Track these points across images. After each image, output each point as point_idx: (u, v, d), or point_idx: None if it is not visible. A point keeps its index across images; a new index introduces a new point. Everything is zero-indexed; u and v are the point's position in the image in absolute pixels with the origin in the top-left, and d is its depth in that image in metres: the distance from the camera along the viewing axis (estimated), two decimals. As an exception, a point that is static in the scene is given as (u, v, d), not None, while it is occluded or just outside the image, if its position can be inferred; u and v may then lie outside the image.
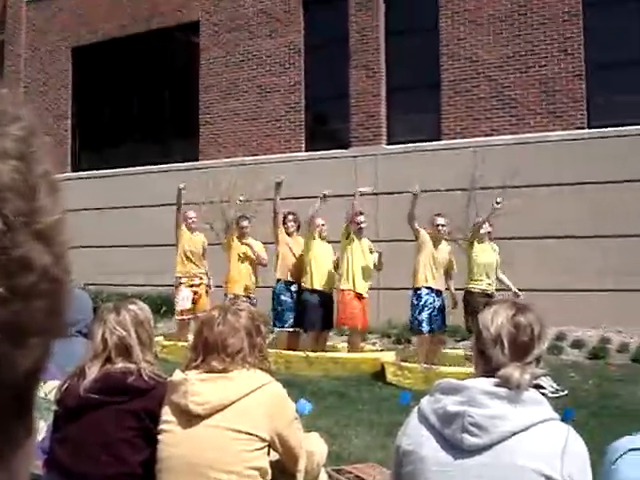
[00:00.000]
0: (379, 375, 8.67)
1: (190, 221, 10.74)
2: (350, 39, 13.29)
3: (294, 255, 9.84)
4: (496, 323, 2.17)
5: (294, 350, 9.52)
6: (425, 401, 2.23)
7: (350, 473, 4.54)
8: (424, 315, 8.83)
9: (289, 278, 9.77)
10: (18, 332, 0.43)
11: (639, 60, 11.38)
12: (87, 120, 16.68)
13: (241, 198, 10.86)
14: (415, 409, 2.26)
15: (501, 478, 2.03)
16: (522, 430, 2.06)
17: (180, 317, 10.44)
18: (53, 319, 0.46)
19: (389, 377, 8.50)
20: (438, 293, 8.94)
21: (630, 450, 2.20)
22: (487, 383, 2.11)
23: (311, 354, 9.24)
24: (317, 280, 9.45)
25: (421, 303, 8.87)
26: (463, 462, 2.08)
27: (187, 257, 10.56)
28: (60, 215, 0.46)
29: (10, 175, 0.43)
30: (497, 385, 2.10)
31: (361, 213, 9.59)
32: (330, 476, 3.96)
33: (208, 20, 14.82)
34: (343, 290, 9.33)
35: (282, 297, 9.64)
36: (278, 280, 9.80)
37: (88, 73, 16.62)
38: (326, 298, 9.50)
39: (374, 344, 10.49)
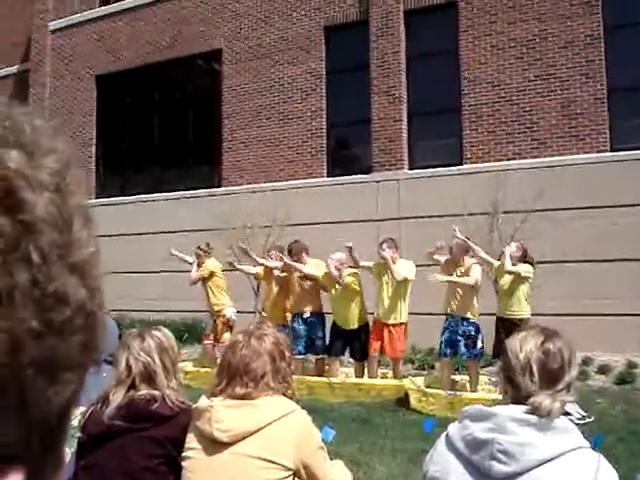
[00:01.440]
0: (403, 401, 8.59)
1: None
2: (371, 65, 13.35)
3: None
4: (525, 350, 2.15)
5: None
6: (453, 428, 2.20)
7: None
8: (444, 337, 8.87)
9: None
10: (53, 368, 0.43)
11: (661, 83, 11.34)
12: (111, 147, 16.86)
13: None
14: (443, 435, 2.24)
15: (530, 507, 1.99)
16: (552, 458, 2.02)
17: None
18: (87, 353, 0.46)
19: (413, 403, 8.43)
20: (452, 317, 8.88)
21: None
22: (517, 410, 2.08)
23: (334, 380, 9.21)
24: None
25: (444, 326, 8.93)
26: (492, 490, 2.05)
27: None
28: (94, 248, 0.46)
29: (46, 208, 0.42)
30: (527, 412, 2.07)
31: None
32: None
33: (230, 48, 14.97)
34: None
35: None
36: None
37: (112, 101, 16.83)
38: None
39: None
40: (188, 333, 13.03)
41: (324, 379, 9.30)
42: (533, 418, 2.05)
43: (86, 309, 0.45)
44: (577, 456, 2.05)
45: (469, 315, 8.79)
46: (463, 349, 8.73)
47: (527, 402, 2.08)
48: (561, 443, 2.05)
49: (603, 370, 10.22)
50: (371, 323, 9.55)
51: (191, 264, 10.93)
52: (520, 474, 2.02)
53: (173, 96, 16.15)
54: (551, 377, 2.12)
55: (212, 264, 10.57)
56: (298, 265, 9.69)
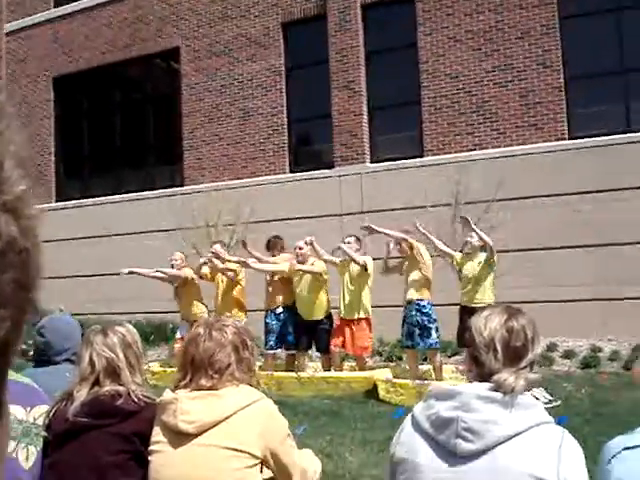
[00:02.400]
0: (372, 393, 8.62)
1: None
2: (330, 59, 13.36)
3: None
4: (489, 328, 2.16)
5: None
6: (418, 408, 2.21)
7: (345, 490, 4.49)
8: (404, 330, 8.91)
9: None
10: None
11: (617, 71, 11.51)
12: (70, 150, 16.66)
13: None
14: (409, 416, 2.24)
15: (496, 483, 2.01)
16: (516, 434, 2.03)
17: None
18: (22, 292, 0.45)
19: (382, 394, 8.46)
20: (415, 305, 8.90)
21: (624, 449, 2.18)
22: (481, 388, 2.09)
23: (302, 374, 9.22)
24: None
25: (402, 318, 8.98)
26: (458, 468, 2.05)
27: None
28: (27, 187, 0.45)
29: None
30: (491, 390, 2.08)
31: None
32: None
33: (188, 46, 14.89)
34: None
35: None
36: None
37: (69, 103, 16.64)
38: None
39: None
40: (154, 334, 12.93)
41: (292, 374, 9.31)
42: (497, 395, 2.06)
43: (18, 246, 0.44)
44: (541, 431, 2.07)
45: (422, 297, 8.84)
46: (418, 339, 8.76)
47: (491, 380, 2.10)
48: (525, 419, 2.06)
49: (568, 355, 10.36)
50: (335, 318, 9.59)
51: (155, 277, 10.78)
52: (485, 451, 2.03)
53: (132, 96, 16.01)
54: (514, 355, 2.13)
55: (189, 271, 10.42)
56: (264, 266, 9.78)
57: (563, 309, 10.83)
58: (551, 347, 10.44)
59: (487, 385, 2.09)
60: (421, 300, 8.87)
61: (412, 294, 8.89)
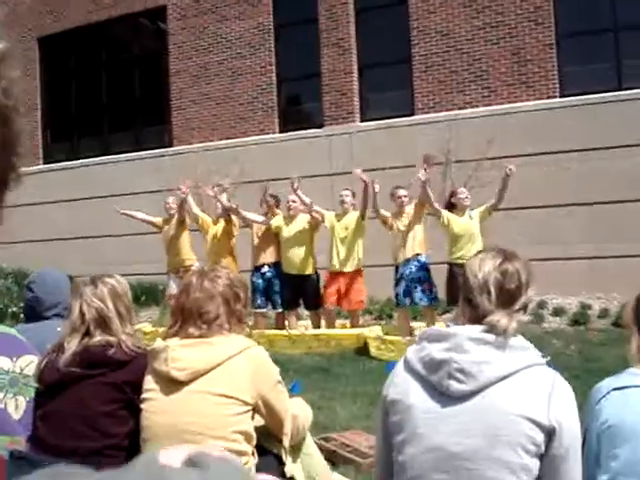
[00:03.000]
0: (362, 350, 8.68)
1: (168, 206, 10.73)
2: (320, 18, 13.20)
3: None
4: (483, 270, 2.16)
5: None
6: (411, 350, 2.21)
7: (336, 440, 4.53)
8: (400, 288, 8.93)
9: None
10: None
11: (608, 28, 11.41)
12: (57, 111, 16.47)
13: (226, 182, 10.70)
14: (402, 359, 2.24)
15: (488, 424, 2.02)
16: (508, 375, 2.05)
17: None
18: (3, 151, 0.43)
19: (373, 351, 8.52)
20: (415, 260, 8.95)
21: (613, 390, 2.20)
22: (474, 330, 2.10)
23: (293, 332, 9.27)
24: None
25: (397, 277, 8.99)
26: (450, 409, 2.07)
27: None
28: (6, 47, 0.43)
29: None
30: (484, 332, 2.08)
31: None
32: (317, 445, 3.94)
33: (175, 4, 14.66)
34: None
35: None
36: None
37: (55, 63, 16.42)
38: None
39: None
40: (146, 296, 12.93)
41: (283, 332, 9.35)
42: (490, 337, 2.07)
43: None
44: (533, 372, 2.08)
45: (422, 252, 8.92)
46: (420, 295, 8.83)
47: (484, 321, 2.10)
48: (517, 360, 2.07)
49: (557, 312, 10.42)
50: (323, 276, 9.62)
51: (145, 221, 10.95)
52: (477, 392, 2.04)
53: (118, 56, 15.81)
54: (508, 297, 2.14)
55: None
56: (253, 216, 9.85)
57: (552, 267, 10.85)
58: (541, 304, 10.50)
59: (480, 327, 2.10)
60: (421, 255, 8.96)
61: (414, 249, 8.94)
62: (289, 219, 9.66)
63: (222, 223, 10.17)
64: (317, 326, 9.65)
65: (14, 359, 2.54)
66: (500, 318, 2.08)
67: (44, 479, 0.48)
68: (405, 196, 9.14)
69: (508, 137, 11.20)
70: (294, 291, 9.52)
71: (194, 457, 0.52)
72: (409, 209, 9.09)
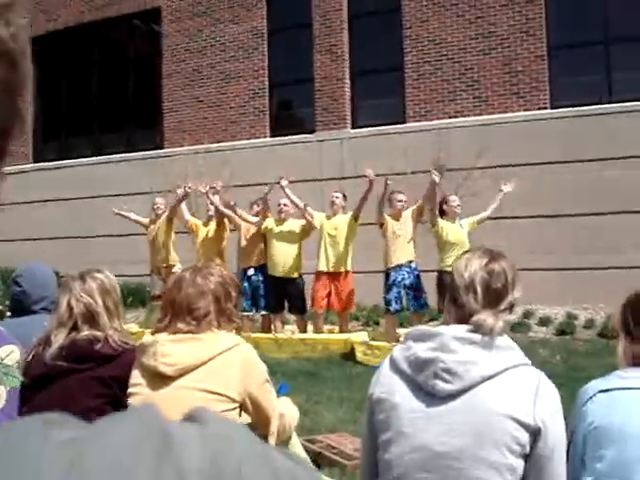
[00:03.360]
0: (349, 355, 8.68)
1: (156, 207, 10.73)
2: (314, 23, 13.24)
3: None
4: (470, 270, 2.16)
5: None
6: (397, 349, 2.22)
7: (322, 442, 4.53)
8: (392, 294, 8.94)
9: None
10: None
11: (600, 40, 11.49)
12: (48, 111, 16.42)
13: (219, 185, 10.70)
14: (387, 358, 2.25)
15: (474, 423, 2.02)
16: (494, 375, 2.05)
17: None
18: (10, 96, 0.44)
19: (359, 356, 8.52)
20: (407, 267, 9.00)
21: (599, 392, 2.21)
22: (459, 329, 2.10)
23: (280, 336, 9.26)
24: None
25: (389, 282, 9.00)
26: (436, 409, 2.07)
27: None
28: None
29: None
30: (470, 331, 2.09)
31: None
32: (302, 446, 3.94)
33: (170, 6, 14.67)
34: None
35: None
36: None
37: (48, 63, 16.36)
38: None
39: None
40: (132, 297, 12.90)
41: (270, 335, 9.34)
42: (475, 336, 2.07)
43: (6, 46, 0.44)
44: (519, 372, 2.08)
45: (412, 259, 8.97)
46: (412, 301, 8.89)
47: (470, 321, 2.10)
48: (503, 360, 2.08)
49: (544, 322, 10.47)
50: (309, 281, 9.63)
51: (138, 222, 10.92)
52: (463, 391, 2.05)
53: (111, 57, 15.79)
54: (494, 296, 2.14)
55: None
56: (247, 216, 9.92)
57: (539, 277, 10.89)
58: (527, 314, 10.54)
59: (466, 327, 2.10)
60: (413, 262, 9.02)
61: (408, 255, 8.99)
62: (280, 222, 9.68)
63: (213, 226, 10.18)
64: (303, 330, 9.64)
65: None
66: (486, 317, 2.09)
67: (38, 423, 0.49)
68: (405, 201, 9.20)
69: (498, 147, 11.25)
70: (279, 294, 9.51)
71: (193, 412, 0.53)
72: (405, 214, 9.13)
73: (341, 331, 9.53)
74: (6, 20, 0.44)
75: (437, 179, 8.74)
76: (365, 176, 9.30)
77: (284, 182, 9.57)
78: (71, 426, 0.50)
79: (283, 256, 9.51)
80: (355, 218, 9.39)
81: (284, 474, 0.49)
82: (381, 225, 9.22)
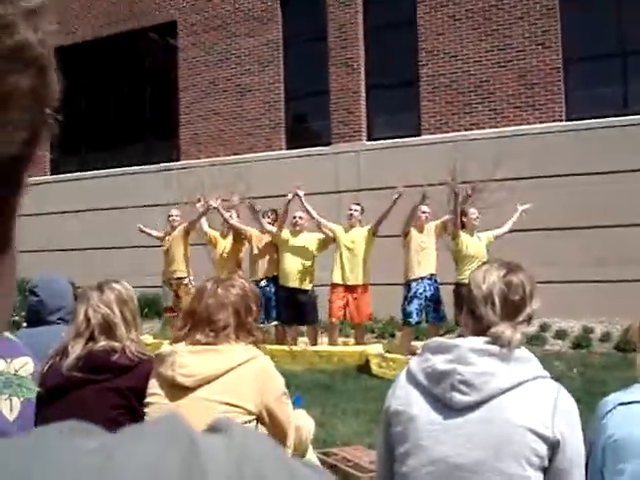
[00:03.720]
0: (364, 368, 8.65)
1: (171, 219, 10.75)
2: (329, 36, 13.29)
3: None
4: (488, 282, 2.16)
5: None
6: (414, 361, 2.21)
7: (337, 455, 4.51)
8: (413, 306, 8.95)
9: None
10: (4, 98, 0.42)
11: (615, 53, 11.48)
12: (66, 123, 16.35)
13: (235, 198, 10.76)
14: (404, 370, 2.24)
15: (491, 436, 2.01)
16: (512, 387, 2.04)
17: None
18: (38, 103, 0.45)
19: (374, 369, 8.50)
20: (429, 279, 9.02)
21: (619, 405, 2.19)
22: (477, 341, 2.09)
23: (294, 348, 9.24)
24: None
25: (410, 294, 9.01)
26: (453, 421, 2.06)
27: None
28: (44, 1, 0.46)
29: None
30: (488, 343, 2.08)
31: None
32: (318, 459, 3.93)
33: (185, 20, 14.78)
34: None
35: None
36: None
37: (65, 75, 16.22)
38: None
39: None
40: (149, 308, 12.93)
41: (284, 347, 9.30)
42: (494, 348, 2.07)
43: (35, 51, 0.45)
44: (537, 385, 2.07)
45: (434, 271, 9.00)
46: (432, 314, 8.91)
47: (488, 333, 2.09)
48: (521, 372, 2.07)
49: (560, 335, 10.40)
50: (324, 294, 9.62)
51: (158, 238, 10.93)
52: (481, 403, 2.04)
53: (128, 70, 15.89)
54: (512, 308, 2.14)
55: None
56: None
57: (555, 290, 10.81)
58: (543, 327, 10.48)
59: (483, 339, 2.10)
60: (435, 275, 9.05)
61: (431, 268, 9.01)
62: (294, 234, 9.69)
63: (230, 238, 10.21)
64: (314, 342, 9.62)
65: (8, 360, 2.53)
66: (504, 329, 2.08)
67: (64, 431, 0.49)
68: (429, 212, 9.22)
69: (514, 159, 11.22)
70: (291, 305, 9.49)
71: (216, 422, 0.53)
72: (428, 226, 9.16)
73: (357, 343, 9.52)
74: (35, 25, 0.45)
75: (459, 191, 8.78)
76: (390, 187, 9.32)
77: (301, 192, 9.59)
78: (97, 434, 0.50)
79: (295, 268, 9.52)
80: (373, 232, 9.39)
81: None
82: (405, 235, 9.22)
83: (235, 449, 0.48)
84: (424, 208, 9.22)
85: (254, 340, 2.85)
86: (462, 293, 8.52)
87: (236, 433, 0.50)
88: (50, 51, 0.46)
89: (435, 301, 9.01)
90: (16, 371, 2.56)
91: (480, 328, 2.13)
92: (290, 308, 9.52)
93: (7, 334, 2.62)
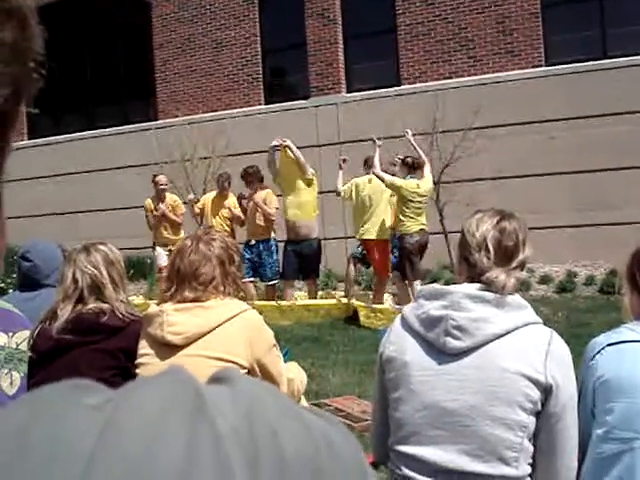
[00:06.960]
0: (352, 320, 8.71)
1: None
2: (304, -13, 13.08)
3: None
4: (481, 229, 2.16)
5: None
6: (408, 308, 2.22)
7: (329, 405, 4.56)
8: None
9: None
10: None
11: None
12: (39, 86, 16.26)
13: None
14: (398, 317, 2.25)
15: (485, 381, 2.03)
16: (506, 333, 2.05)
17: None
18: (21, 56, 0.43)
19: (362, 320, 8.54)
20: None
21: (608, 345, 2.22)
22: (471, 287, 2.10)
23: (282, 302, 9.24)
24: None
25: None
26: (447, 366, 2.07)
27: None
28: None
29: None
30: (481, 289, 2.09)
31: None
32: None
33: (158, -25, 14.49)
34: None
35: None
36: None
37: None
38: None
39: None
40: (134, 269, 12.90)
41: (272, 302, 9.29)
42: (487, 294, 2.08)
43: (16, 2, 0.44)
44: (530, 330, 2.09)
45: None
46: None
47: (482, 278, 2.10)
48: (515, 318, 2.08)
49: (544, 280, 10.50)
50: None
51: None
52: (475, 349, 2.05)
53: (101, 29, 15.59)
54: (506, 254, 2.14)
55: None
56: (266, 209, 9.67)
57: (539, 236, 10.85)
58: (528, 272, 10.56)
59: (477, 285, 2.11)
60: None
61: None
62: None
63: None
64: (314, 296, 9.57)
65: (10, 334, 2.52)
66: (498, 274, 2.09)
67: (66, 389, 0.48)
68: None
69: (494, 107, 11.18)
70: (297, 262, 9.31)
71: (219, 374, 0.52)
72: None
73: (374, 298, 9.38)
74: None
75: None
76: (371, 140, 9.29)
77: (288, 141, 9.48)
78: (100, 390, 0.49)
79: (307, 220, 9.35)
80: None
81: (317, 431, 0.49)
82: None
83: (243, 400, 0.48)
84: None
85: (243, 296, 2.85)
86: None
87: (241, 383, 0.50)
88: (31, 3, 0.44)
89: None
90: (17, 345, 2.54)
91: (474, 274, 2.14)
92: (293, 263, 9.32)
93: (9, 306, 2.60)
